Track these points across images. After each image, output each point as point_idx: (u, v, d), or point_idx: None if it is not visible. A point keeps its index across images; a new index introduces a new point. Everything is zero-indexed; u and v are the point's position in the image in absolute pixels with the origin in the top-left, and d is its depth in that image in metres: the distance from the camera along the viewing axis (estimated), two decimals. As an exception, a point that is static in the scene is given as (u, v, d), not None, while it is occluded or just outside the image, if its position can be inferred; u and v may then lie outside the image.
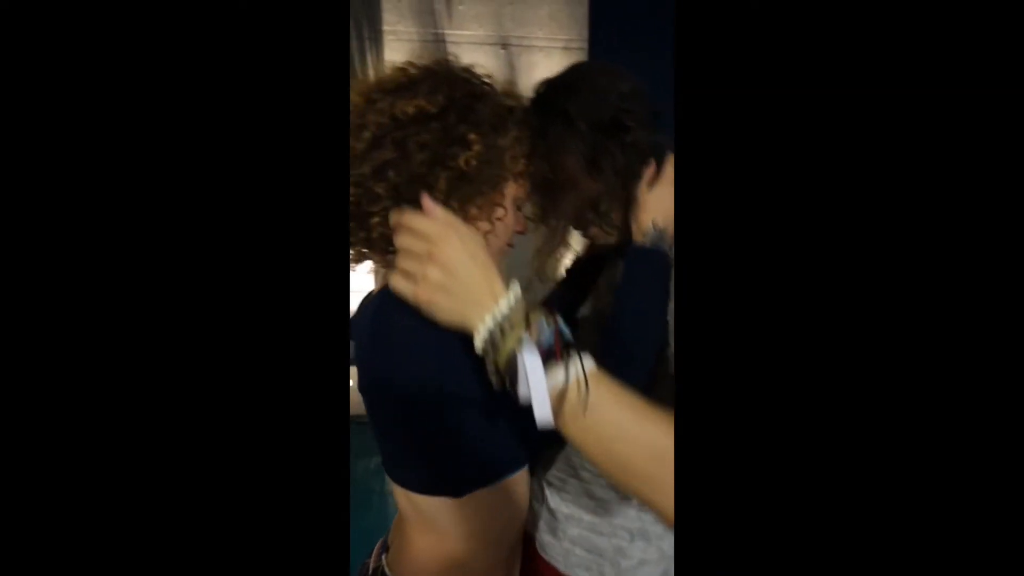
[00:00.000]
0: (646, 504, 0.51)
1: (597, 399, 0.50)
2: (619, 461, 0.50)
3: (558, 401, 0.50)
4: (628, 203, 0.78)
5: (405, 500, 0.70)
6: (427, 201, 0.57)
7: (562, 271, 0.93)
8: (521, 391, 0.51)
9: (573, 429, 0.50)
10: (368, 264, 0.73)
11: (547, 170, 0.75)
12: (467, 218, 0.67)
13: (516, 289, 0.54)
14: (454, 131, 0.65)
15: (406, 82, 0.68)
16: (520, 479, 0.72)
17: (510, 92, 0.73)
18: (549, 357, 0.51)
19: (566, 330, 0.54)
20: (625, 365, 0.64)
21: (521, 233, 0.77)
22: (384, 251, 0.70)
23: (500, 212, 0.71)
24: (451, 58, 0.72)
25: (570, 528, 0.81)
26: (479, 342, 0.52)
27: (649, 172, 0.78)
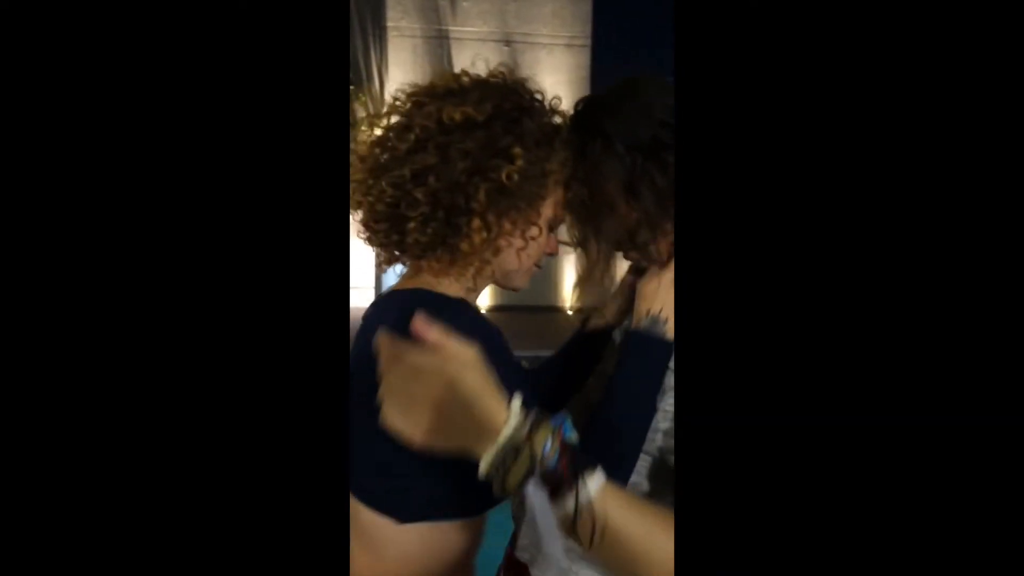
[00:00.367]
0: None
1: (609, 519, 0.50)
2: (630, 570, 0.52)
3: (570, 528, 0.51)
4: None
5: (352, 511, 0.69)
6: (420, 322, 0.53)
7: (609, 296, 0.91)
8: (529, 520, 0.52)
9: (586, 546, 0.51)
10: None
11: (585, 195, 0.73)
12: (501, 232, 0.67)
13: (516, 407, 0.53)
14: (499, 142, 0.64)
15: (457, 88, 0.67)
16: (471, 525, 0.71)
17: (557, 110, 0.72)
18: (557, 483, 0.51)
19: (572, 437, 0.54)
20: (611, 453, 0.65)
21: (551, 255, 0.76)
22: (417, 256, 0.69)
23: (534, 231, 0.70)
24: (505, 70, 0.71)
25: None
26: (483, 473, 0.52)
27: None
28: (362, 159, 0.67)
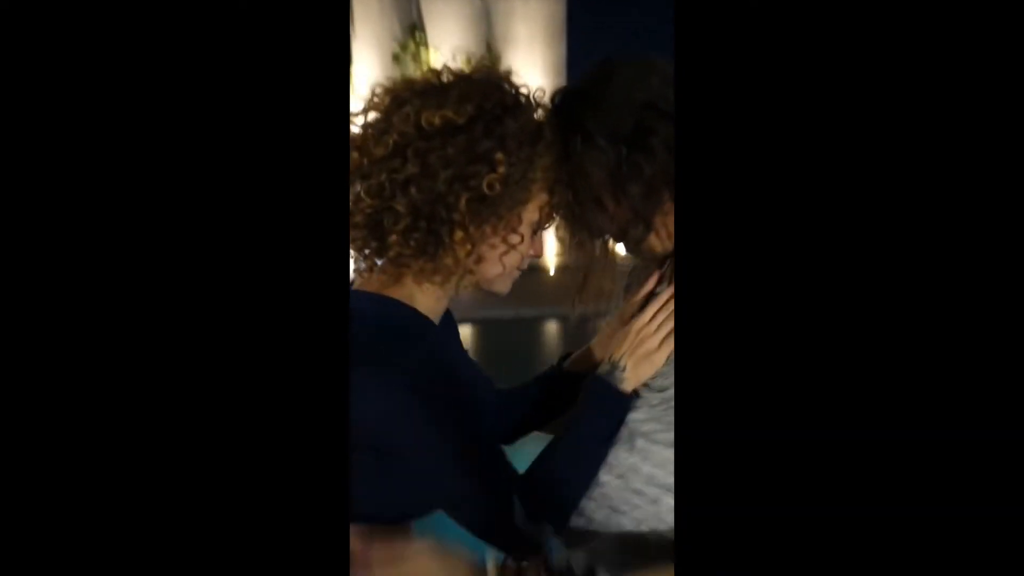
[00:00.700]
0: None
1: None
2: None
3: None
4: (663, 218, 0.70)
5: None
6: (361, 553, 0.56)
7: (616, 292, 0.87)
8: None
9: None
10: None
11: (571, 197, 0.70)
12: (481, 238, 0.66)
13: (491, 569, 0.57)
14: (480, 146, 0.63)
15: (437, 86, 0.65)
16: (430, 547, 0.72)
17: (541, 103, 0.69)
18: None
19: (559, 559, 0.57)
20: (552, 497, 0.66)
21: (536, 257, 0.74)
22: (398, 265, 0.68)
23: (515, 239, 0.69)
24: (488, 63, 0.69)
25: None
26: None
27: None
28: None
